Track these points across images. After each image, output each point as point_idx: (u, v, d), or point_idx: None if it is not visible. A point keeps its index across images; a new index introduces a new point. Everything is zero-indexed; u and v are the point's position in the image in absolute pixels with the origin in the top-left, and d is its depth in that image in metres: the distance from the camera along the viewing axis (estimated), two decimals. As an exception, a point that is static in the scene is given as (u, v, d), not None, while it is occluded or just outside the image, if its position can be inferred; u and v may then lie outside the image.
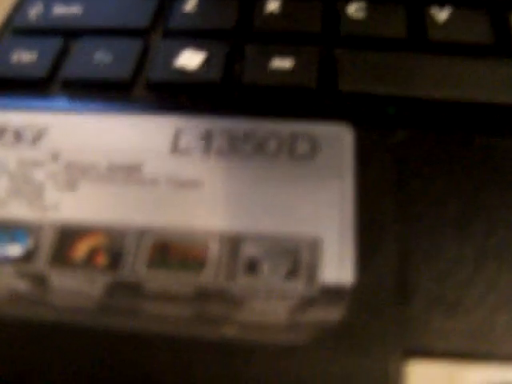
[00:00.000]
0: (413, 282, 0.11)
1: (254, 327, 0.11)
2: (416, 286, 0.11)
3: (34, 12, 0.17)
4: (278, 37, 0.15)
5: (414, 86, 0.14)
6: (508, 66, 0.14)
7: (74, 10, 0.16)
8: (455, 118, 0.14)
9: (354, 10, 0.15)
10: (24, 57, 0.15)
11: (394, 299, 0.11)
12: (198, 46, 0.15)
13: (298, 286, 0.11)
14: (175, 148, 0.13)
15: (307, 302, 0.11)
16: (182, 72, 0.14)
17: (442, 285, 0.11)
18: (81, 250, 0.12)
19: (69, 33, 0.16)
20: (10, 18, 0.17)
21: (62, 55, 0.15)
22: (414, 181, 0.13)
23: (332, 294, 0.11)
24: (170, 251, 0.11)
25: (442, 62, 0.14)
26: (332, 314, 0.11)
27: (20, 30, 0.16)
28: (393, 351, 0.11)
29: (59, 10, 0.17)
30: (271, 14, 0.15)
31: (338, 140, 0.13)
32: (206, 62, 0.14)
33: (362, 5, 0.16)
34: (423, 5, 0.16)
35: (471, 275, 0.11)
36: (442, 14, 0.15)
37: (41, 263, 0.11)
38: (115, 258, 0.11)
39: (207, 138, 0.13)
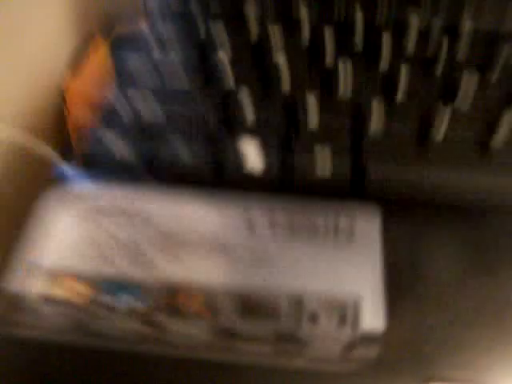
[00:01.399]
0: (425, 327, 0.16)
1: (316, 360, 0.15)
2: (429, 329, 0.16)
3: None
4: (319, 141, 0.20)
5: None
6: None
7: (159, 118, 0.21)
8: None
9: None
10: (123, 151, 0.20)
11: (412, 340, 0.16)
12: (260, 147, 0.20)
13: (346, 333, 0.16)
14: (249, 225, 0.18)
15: (353, 344, 0.16)
16: (251, 170, 0.19)
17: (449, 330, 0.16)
18: (189, 304, 0.16)
19: (155, 134, 0.21)
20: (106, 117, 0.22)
21: (152, 151, 0.20)
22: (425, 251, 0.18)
23: (369, 338, 0.16)
24: (253, 306, 0.16)
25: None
26: (370, 351, 0.15)
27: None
28: (414, 379, 0.15)
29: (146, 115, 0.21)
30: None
31: (370, 217, 0.18)
32: (267, 163, 0.19)
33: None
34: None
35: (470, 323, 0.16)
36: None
37: (158, 314, 0.16)
38: (214, 310, 0.16)
39: (272, 215, 0.18)
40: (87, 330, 0.16)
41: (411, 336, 0.16)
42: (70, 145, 0.73)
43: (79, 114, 0.79)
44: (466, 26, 0.24)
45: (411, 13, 0.24)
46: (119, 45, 0.27)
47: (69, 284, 0.16)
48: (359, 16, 0.24)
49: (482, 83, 0.21)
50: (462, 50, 0.23)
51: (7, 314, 0.15)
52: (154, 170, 0.20)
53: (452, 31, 0.23)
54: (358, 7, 0.24)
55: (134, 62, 0.24)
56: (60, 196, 0.19)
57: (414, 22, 0.23)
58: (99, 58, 0.88)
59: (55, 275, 0.16)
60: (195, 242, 0.17)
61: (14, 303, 0.16)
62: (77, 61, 0.94)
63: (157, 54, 0.24)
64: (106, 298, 0.16)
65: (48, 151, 0.64)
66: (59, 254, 0.17)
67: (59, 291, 0.16)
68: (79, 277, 0.16)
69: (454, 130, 0.20)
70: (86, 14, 0.96)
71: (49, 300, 0.16)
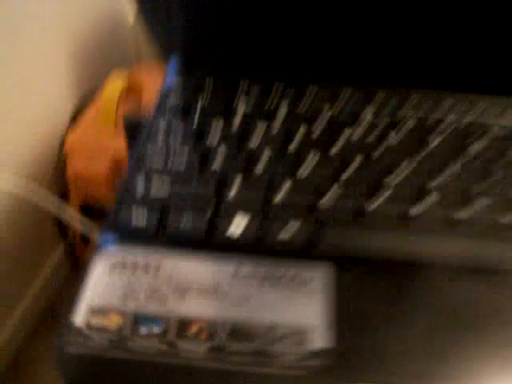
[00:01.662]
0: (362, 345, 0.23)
1: (281, 368, 0.22)
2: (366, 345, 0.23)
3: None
4: (286, 214, 0.27)
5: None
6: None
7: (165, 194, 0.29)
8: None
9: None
10: (141, 219, 0.28)
11: (353, 357, 0.23)
12: (242, 215, 0.27)
13: (302, 349, 0.23)
14: (234, 275, 0.25)
15: (306, 357, 0.23)
16: (233, 234, 0.27)
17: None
18: (193, 329, 0.23)
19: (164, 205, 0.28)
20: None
21: (162, 221, 0.28)
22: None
23: (320, 354, 0.23)
24: (238, 331, 0.23)
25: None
26: (319, 362, 0.23)
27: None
28: (348, 380, 0.22)
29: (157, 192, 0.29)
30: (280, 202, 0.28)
31: (322, 270, 0.26)
32: (247, 228, 0.27)
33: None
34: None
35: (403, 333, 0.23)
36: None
37: (171, 336, 0.23)
38: (212, 334, 0.23)
39: (249, 268, 0.25)
40: (123, 348, 0.23)
41: (352, 354, 0.23)
42: (69, 191, 0.82)
43: (78, 163, 0.88)
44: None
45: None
46: (132, 129, 0.34)
47: (111, 316, 0.23)
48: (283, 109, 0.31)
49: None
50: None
51: (74, 339, 0.23)
52: (165, 234, 0.27)
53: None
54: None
55: (145, 147, 0.31)
56: (103, 255, 0.26)
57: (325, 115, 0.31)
58: (98, 112, 0.97)
59: (102, 311, 0.23)
60: (196, 286, 0.25)
61: (79, 332, 0.23)
62: (77, 114, 1.03)
63: (162, 140, 0.31)
64: (136, 326, 0.23)
65: (49, 198, 0.73)
66: (104, 295, 0.24)
67: (105, 321, 0.23)
68: (118, 311, 0.23)
69: (385, 204, 0.28)
70: (87, 71, 1.07)
71: (98, 328, 0.23)
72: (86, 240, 0.92)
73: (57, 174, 0.95)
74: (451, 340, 0.24)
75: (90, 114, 0.94)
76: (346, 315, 0.24)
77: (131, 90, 0.94)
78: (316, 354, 0.23)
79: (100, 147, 0.87)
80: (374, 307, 0.25)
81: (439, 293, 0.25)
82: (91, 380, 0.23)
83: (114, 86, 0.91)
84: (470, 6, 0.32)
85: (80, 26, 0.99)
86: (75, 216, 0.85)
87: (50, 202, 0.81)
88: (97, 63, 1.05)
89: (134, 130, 0.34)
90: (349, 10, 0.34)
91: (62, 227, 0.97)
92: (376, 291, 0.26)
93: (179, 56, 0.35)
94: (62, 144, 0.91)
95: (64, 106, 0.98)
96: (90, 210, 0.89)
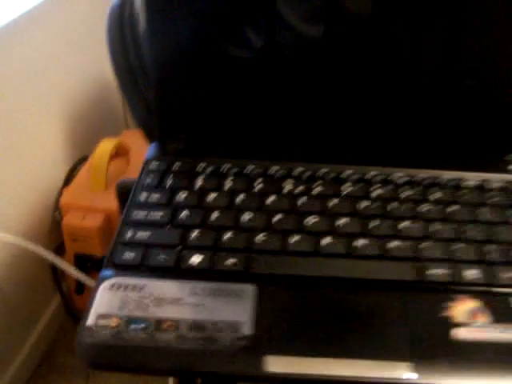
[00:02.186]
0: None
1: (221, 346, 0.35)
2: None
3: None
4: (229, 250, 0.41)
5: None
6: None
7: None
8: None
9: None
10: (129, 256, 0.41)
11: (267, 340, 0.36)
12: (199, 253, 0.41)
13: (235, 336, 0.36)
14: (193, 291, 0.38)
15: (239, 340, 0.36)
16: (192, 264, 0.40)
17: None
18: (165, 325, 0.36)
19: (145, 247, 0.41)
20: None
21: (144, 257, 0.41)
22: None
23: (246, 338, 0.36)
24: (195, 327, 0.36)
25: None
26: (246, 342, 0.36)
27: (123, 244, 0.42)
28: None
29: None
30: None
31: (251, 288, 0.39)
32: (202, 261, 0.40)
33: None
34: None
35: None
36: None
37: (151, 330, 0.36)
38: (177, 327, 0.36)
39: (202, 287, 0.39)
40: (120, 338, 0.36)
41: (266, 336, 0.36)
42: (64, 245, 0.97)
43: (72, 219, 1.02)
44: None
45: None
46: (122, 193, 0.47)
47: (112, 319, 0.36)
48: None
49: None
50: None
51: (89, 333, 0.35)
52: (147, 266, 0.40)
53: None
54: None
55: (131, 206, 0.44)
56: (105, 281, 0.39)
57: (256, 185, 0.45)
58: (89, 173, 1.10)
59: (106, 316, 0.37)
60: (168, 299, 0.38)
61: (91, 329, 0.36)
62: (71, 175, 1.18)
63: (144, 202, 0.45)
64: (128, 325, 0.36)
65: (45, 252, 0.89)
66: (107, 306, 0.37)
67: (108, 322, 0.36)
68: (116, 316, 0.36)
69: (300, 241, 0.41)
70: (79, 137, 1.23)
71: (103, 326, 0.36)
72: (80, 291, 1.02)
73: (53, 229, 1.07)
74: (337, 330, 0.37)
75: (82, 175, 1.07)
76: (265, 315, 0.37)
77: (120, 153, 1.08)
78: (244, 338, 0.36)
79: (91, 204, 1.00)
80: (285, 310, 0.38)
81: (332, 300, 0.39)
82: (101, 361, 0.35)
83: (104, 149, 1.05)
84: (383, 95, 0.47)
85: (72, 94, 1.12)
86: (70, 268, 0.96)
87: (46, 255, 0.93)
88: (88, 129, 1.19)
89: (124, 193, 0.47)
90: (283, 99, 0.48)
91: (57, 279, 1.07)
92: (287, 300, 0.39)
93: (157, 142, 0.50)
94: (58, 202, 1.04)
95: (58, 168, 1.10)
96: (84, 262, 1.00)
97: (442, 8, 0.46)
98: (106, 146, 1.06)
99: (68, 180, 1.09)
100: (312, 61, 0.48)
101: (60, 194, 1.06)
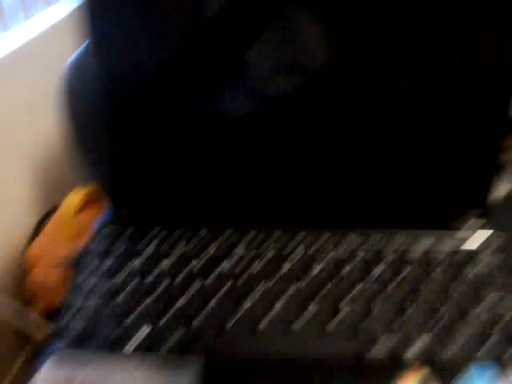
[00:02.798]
0: None
1: None
2: None
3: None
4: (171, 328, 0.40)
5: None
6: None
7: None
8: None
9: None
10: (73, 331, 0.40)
11: None
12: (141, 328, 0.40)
13: None
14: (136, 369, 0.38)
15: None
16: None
17: None
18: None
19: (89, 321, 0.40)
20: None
21: (90, 328, 0.40)
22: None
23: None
24: None
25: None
26: None
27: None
28: None
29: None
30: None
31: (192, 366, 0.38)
32: (144, 337, 0.39)
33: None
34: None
35: None
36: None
37: None
38: None
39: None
40: None
41: None
42: (31, 300, 0.95)
43: (39, 272, 1.00)
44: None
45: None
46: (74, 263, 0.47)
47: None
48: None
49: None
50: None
51: None
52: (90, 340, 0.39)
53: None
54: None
55: (78, 280, 0.44)
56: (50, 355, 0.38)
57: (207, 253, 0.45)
58: (57, 226, 1.09)
59: None
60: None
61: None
62: (38, 228, 1.16)
63: (91, 273, 0.44)
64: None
65: (11, 307, 0.86)
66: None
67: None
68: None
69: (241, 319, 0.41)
70: (47, 189, 1.21)
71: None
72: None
73: (19, 283, 1.05)
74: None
75: (49, 227, 1.06)
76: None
77: (93, 202, 1.07)
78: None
79: (60, 257, 0.98)
80: None
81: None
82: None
83: (73, 200, 1.04)
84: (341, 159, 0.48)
85: (41, 144, 1.11)
86: (37, 323, 0.94)
87: (12, 310, 0.91)
88: (59, 179, 1.18)
89: (76, 263, 0.47)
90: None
91: (24, 335, 1.05)
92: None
93: (110, 207, 0.49)
94: (24, 255, 1.03)
95: (27, 219, 1.09)
96: (53, 314, 0.98)
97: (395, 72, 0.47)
98: (74, 197, 1.05)
99: (37, 232, 1.07)
100: (260, 128, 0.49)
101: (28, 245, 1.05)
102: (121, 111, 0.46)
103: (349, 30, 0.45)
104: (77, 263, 0.45)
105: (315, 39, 0.47)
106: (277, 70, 0.48)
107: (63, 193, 1.08)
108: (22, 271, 1.06)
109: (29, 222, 1.09)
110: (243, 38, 0.47)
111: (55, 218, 1.07)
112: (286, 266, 0.45)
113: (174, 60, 0.46)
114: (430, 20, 0.44)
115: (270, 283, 0.43)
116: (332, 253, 0.46)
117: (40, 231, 1.07)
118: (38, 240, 1.05)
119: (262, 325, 0.40)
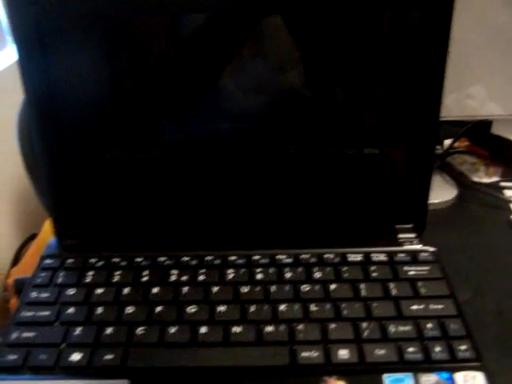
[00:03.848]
0: None
1: None
2: None
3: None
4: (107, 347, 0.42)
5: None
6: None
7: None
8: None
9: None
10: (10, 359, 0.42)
11: None
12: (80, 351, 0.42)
13: None
14: None
15: None
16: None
17: None
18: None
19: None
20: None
21: (26, 357, 0.42)
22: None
23: None
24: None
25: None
26: None
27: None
28: None
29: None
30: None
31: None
32: (82, 358, 0.42)
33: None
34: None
35: None
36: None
37: None
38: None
39: None
40: None
41: None
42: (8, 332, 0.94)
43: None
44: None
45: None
46: (21, 290, 0.49)
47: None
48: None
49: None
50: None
51: None
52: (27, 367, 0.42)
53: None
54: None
55: (22, 307, 0.46)
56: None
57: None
58: (38, 251, 1.10)
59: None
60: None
61: None
62: (19, 254, 1.18)
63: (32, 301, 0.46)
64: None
65: None
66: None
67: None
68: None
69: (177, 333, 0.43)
70: (28, 214, 1.23)
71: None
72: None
73: (2, 310, 1.07)
74: None
75: (30, 254, 1.08)
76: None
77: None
78: None
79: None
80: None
81: None
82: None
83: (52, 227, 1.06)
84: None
85: (18, 172, 1.13)
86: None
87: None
88: (38, 206, 1.20)
89: (21, 291, 0.49)
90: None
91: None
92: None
93: (54, 238, 0.52)
94: (4, 283, 1.05)
95: (7, 247, 1.11)
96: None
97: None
98: (53, 224, 1.07)
99: (16, 259, 1.09)
100: (194, 154, 0.51)
101: (9, 273, 1.07)
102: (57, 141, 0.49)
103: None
104: (20, 294, 0.47)
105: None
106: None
107: (43, 219, 1.09)
108: (3, 300, 1.08)
109: (9, 249, 1.11)
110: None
111: (35, 245, 1.10)
112: (220, 287, 0.47)
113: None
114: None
115: (203, 305, 0.45)
116: (261, 274, 0.48)
117: (20, 258, 1.10)
118: (17, 268, 1.07)
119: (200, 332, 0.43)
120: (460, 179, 0.70)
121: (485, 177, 0.70)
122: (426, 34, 0.48)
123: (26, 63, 0.47)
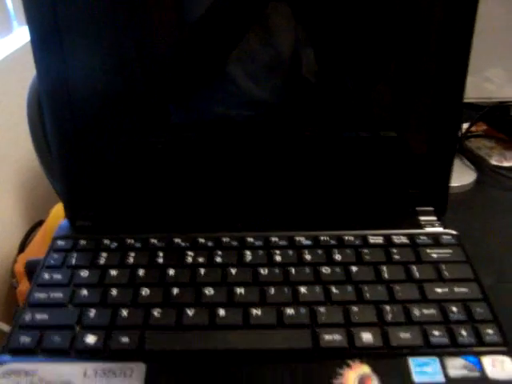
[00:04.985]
0: None
1: None
2: None
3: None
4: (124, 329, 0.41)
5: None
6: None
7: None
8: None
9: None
10: (25, 340, 0.41)
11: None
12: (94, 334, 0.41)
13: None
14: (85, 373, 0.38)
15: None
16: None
17: None
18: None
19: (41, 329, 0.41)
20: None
21: (40, 339, 0.41)
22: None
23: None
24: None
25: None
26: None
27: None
28: None
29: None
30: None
31: (140, 367, 0.39)
32: (97, 341, 0.40)
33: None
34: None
35: None
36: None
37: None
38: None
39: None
40: None
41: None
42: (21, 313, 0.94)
43: (27, 287, 1.00)
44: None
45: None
46: (32, 272, 0.48)
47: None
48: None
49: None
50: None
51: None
52: (42, 348, 0.40)
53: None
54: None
55: (35, 289, 0.45)
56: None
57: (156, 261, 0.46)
58: (44, 238, 1.11)
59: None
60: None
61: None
62: (25, 242, 1.18)
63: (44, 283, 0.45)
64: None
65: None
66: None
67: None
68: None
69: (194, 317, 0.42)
70: (34, 203, 1.23)
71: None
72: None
73: (8, 299, 1.06)
74: None
75: (37, 240, 1.07)
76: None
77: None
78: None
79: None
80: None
81: (224, 374, 0.39)
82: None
83: (59, 213, 1.06)
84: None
85: (26, 159, 1.13)
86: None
87: (2, 326, 0.92)
88: (44, 193, 1.20)
89: (33, 273, 0.48)
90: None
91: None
92: (178, 378, 0.39)
93: (66, 219, 0.51)
94: (12, 270, 1.04)
95: (14, 233, 1.11)
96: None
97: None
98: (60, 210, 1.06)
99: (23, 246, 1.09)
100: (207, 137, 0.50)
101: (15, 260, 1.06)
102: (69, 122, 0.47)
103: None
104: (32, 276, 0.46)
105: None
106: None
107: (49, 206, 1.09)
108: (11, 287, 1.07)
109: (16, 235, 1.11)
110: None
111: (42, 231, 1.09)
112: (238, 269, 0.46)
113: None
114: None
115: (221, 287, 0.44)
116: (279, 256, 0.47)
117: (27, 245, 1.09)
118: (25, 254, 1.06)
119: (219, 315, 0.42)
120: (478, 163, 0.69)
121: (504, 161, 0.68)
122: (452, 10, 0.46)
123: (40, 45, 0.45)
